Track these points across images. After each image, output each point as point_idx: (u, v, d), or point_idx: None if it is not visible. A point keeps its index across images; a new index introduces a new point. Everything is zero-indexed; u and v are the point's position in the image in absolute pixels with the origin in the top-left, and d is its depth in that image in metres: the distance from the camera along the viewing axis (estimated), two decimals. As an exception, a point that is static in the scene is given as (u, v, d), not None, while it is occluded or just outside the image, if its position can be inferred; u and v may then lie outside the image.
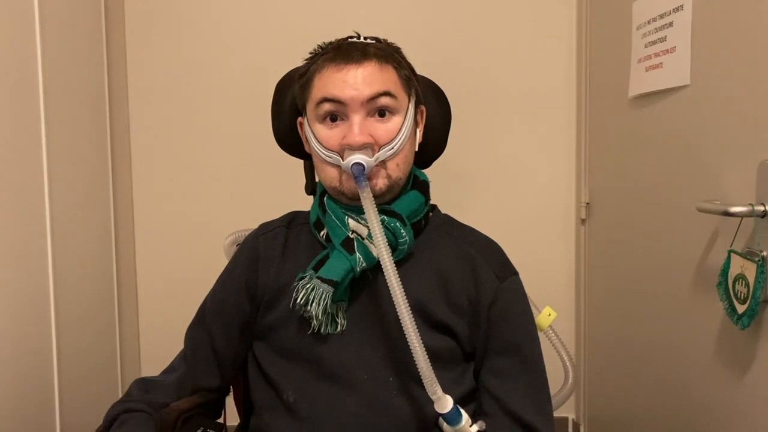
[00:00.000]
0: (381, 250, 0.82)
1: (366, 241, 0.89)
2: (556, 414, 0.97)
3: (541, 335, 0.99)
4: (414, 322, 0.81)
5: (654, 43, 1.27)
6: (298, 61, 0.97)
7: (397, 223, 0.89)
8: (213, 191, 1.86)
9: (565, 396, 1.16)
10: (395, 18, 1.81)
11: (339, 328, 0.91)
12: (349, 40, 0.94)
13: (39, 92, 1.42)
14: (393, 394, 0.90)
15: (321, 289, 0.87)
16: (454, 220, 1.04)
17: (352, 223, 0.91)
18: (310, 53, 0.95)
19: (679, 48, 1.18)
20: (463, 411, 0.85)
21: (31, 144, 1.40)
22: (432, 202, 1.01)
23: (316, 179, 0.99)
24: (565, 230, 1.86)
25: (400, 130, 0.89)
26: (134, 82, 1.85)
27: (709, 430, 1.13)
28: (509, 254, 1.00)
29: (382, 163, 0.88)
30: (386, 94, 0.88)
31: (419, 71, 0.99)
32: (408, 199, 0.94)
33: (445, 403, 0.82)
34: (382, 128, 0.88)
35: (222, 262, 1.06)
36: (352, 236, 0.90)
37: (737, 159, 1.02)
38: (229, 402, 1.08)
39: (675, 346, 1.25)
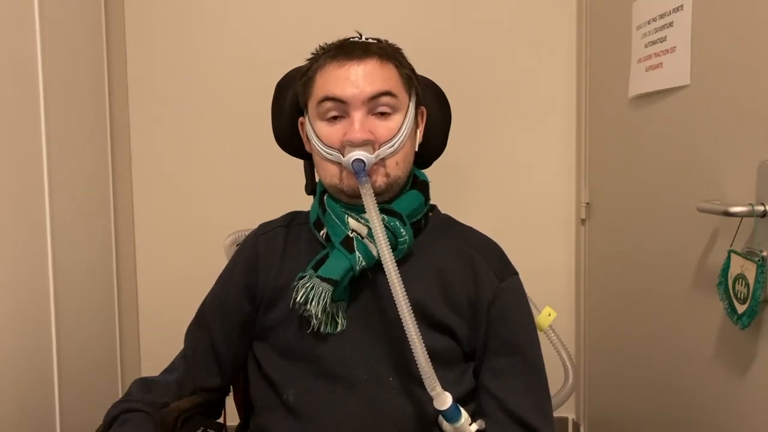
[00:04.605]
0: (381, 245, 0.83)
1: (366, 240, 0.90)
2: (556, 414, 0.97)
3: (541, 335, 0.99)
4: (413, 317, 0.81)
5: (654, 43, 1.27)
6: (299, 61, 0.98)
7: (397, 222, 0.89)
8: (213, 191, 1.86)
9: (565, 396, 1.16)
10: (395, 18, 1.81)
11: (339, 327, 0.91)
12: (351, 39, 0.95)
13: (39, 92, 1.42)
14: (393, 393, 0.90)
15: (320, 288, 0.87)
16: (454, 220, 1.04)
17: (352, 222, 0.91)
18: (312, 53, 0.95)
19: (679, 48, 1.18)
20: (462, 409, 0.85)
21: (31, 144, 1.40)
22: (432, 202, 1.02)
23: (316, 179, 0.99)
24: (565, 230, 1.86)
25: (401, 128, 0.89)
26: (134, 82, 1.85)
27: (709, 430, 1.13)
28: (509, 254, 1.00)
29: (382, 161, 0.89)
30: (387, 93, 0.88)
31: (419, 72, 0.99)
32: (408, 199, 0.94)
33: (444, 400, 0.82)
34: (383, 126, 0.89)
35: (222, 262, 1.06)
36: (351, 235, 0.90)
37: (737, 159, 1.02)
38: (229, 402, 1.08)
39: (675, 346, 1.25)
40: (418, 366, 0.81)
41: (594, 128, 1.73)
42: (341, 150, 0.88)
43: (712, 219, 1.07)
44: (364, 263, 0.89)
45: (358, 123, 0.87)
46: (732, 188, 1.03)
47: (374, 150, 0.88)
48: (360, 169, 0.85)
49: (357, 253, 0.88)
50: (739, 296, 0.96)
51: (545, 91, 1.83)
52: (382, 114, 0.89)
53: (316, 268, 0.90)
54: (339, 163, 0.89)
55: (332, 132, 0.89)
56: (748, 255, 0.95)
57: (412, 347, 0.81)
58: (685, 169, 1.19)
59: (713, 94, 1.09)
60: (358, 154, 0.86)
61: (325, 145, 0.89)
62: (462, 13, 1.82)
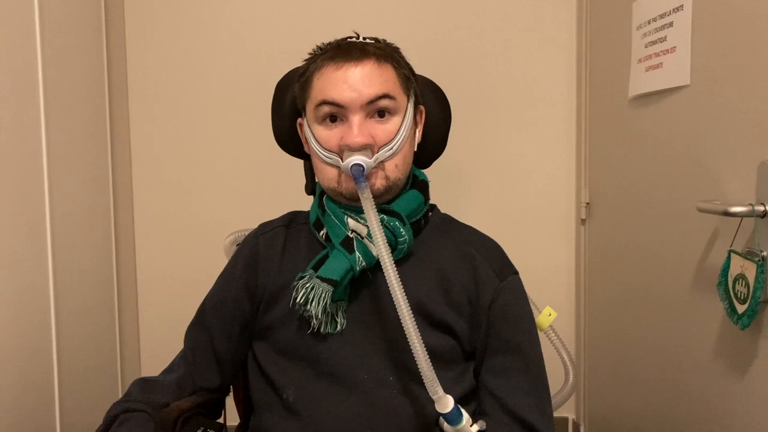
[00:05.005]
0: (381, 251, 0.82)
1: (365, 241, 0.90)
2: (556, 414, 0.97)
3: (541, 335, 0.99)
4: (414, 322, 0.81)
5: (654, 43, 1.27)
6: (298, 61, 0.97)
7: (397, 222, 0.89)
8: (213, 191, 1.86)
9: (565, 396, 1.16)
10: (395, 18, 1.81)
11: (339, 327, 0.91)
12: (348, 39, 0.94)
13: (39, 92, 1.42)
14: (393, 393, 0.90)
15: (320, 288, 0.87)
16: (454, 219, 1.04)
17: (351, 222, 0.91)
18: (310, 53, 0.95)
19: (679, 48, 1.18)
20: (463, 411, 0.85)
21: (31, 144, 1.40)
22: (432, 202, 1.02)
23: (316, 179, 0.99)
24: (565, 230, 1.86)
25: (399, 130, 0.89)
26: (134, 82, 1.85)
27: (709, 430, 1.13)
28: (509, 254, 1.00)
29: (381, 164, 0.89)
30: (385, 96, 0.88)
31: (419, 71, 0.99)
32: (407, 199, 0.94)
33: (447, 403, 0.82)
34: (381, 129, 0.88)
35: (222, 262, 1.06)
36: (351, 235, 0.90)
37: (737, 159, 1.02)
38: (229, 402, 1.08)
39: (675, 346, 1.25)
40: (420, 370, 0.81)
41: (594, 128, 1.73)
42: (340, 154, 0.88)
43: (712, 219, 1.07)
44: (364, 263, 0.89)
45: (357, 127, 0.86)
46: (732, 188, 1.03)
47: (373, 154, 0.87)
48: (359, 173, 0.85)
49: (357, 253, 0.88)
50: (739, 296, 0.96)
51: (545, 91, 1.83)
52: (381, 116, 0.89)
53: (316, 269, 0.90)
54: (338, 167, 0.89)
55: (330, 136, 0.89)
56: (748, 255, 0.95)
57: (413, 351, 0.81)
58: (685, 169, 1.19)
59: (713, 94, 1.09)
60: (357, 158, 0.85)
61: (324, 148, 0.89)
62: (461, 12, 1.82)
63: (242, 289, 0.98)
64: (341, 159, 0.87)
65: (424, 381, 0.81)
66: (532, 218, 1.86)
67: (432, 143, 1.03)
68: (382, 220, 0.87)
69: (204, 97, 1.84)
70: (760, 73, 0.96)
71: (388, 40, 0.96)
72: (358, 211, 0.90)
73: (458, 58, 1.81)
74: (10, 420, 1.31)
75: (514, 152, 1.85)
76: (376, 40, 0.95)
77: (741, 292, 0.96)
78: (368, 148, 0.87)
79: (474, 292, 0.93)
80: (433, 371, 0.81)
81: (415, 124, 0.96)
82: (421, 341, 0.81)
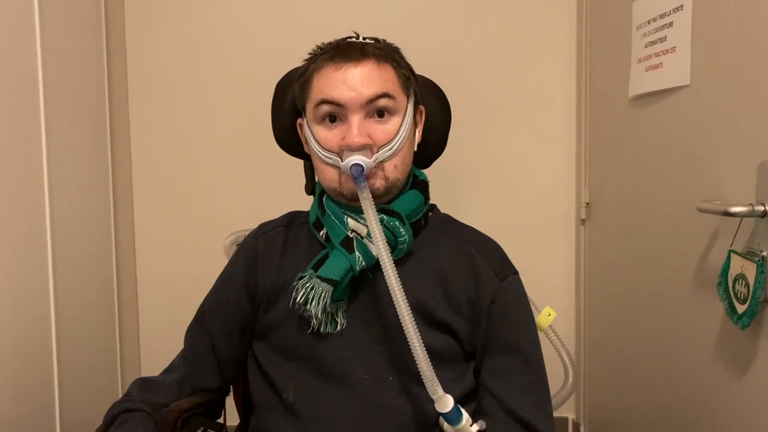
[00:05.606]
0: (381, 251, 0.82)
1: (365, 240, 0.90)
2: (556, 414, 0.97)
3: (541, 335, 0.99)
4: (414, 322, 0.81)
5: (654, 43, 1.27)
6: (299, 61, 0.98)
7: (397, 222, 0.89)
8: (213, 191, 1.86)
9: (565, 396, 1.16)
10: (395, 18, 1.81)
11: (339, 327, 0.91)
12: (348, 40, 0.94)
13: (39, 92, 1.42)
14: (393, 393, 0.90)
15: (320, 288, 0.87)
16: (454, 219, 1.04)
17: (351, 222, 0.91)
18: (309, 53, 0.95)
19: (679, 48, 1.18)
20: (463, 410, 0.85)
21: (31, 144, 1.40)
22: (432, 202, 1.02)
23: (316, 179, 0.99)
24: (565, 230, 1.86)
25: (399, 130, 0.89)
26: (134, 82, 1.85)
27: (710, 430, 1.13)
28: (509, 254, 1.00)
29: (380, 164, 0.89)
30: (385, 95, 0.88)
31: (419, 71, 0.99)
32: (407, 199, 0.94)
33: (446, 403, 0.82)
34: (381, 129, 0.88)
35: (222, 262, 1.06)
36: (351, 235, 0.90)
37: (737, 159, 1.02)
38: (229, 402, 1.08)
39: (675, 346, 1.25)
40: (420, 370, 0.81)
41: (594, 128, 1.73)
42: (339, 154, 0.88)
43: (712, 219, 1.07)
44: (363, 263, 0.89)
45: (356, 127, 0.87)
46: (732, 188, 1.03)
47: (372, 154, 0.87)
48: (358, 173, 0.85)
49: (357, 253, 0.88)
50: (739, 296, 0.96)
51: (545, 91, 1.83)
52: (380, 116, 0.89)
53: (315, 268, 0.90)
54: (338, 167, 0.89)
55: (330, 136, 0.89)
56: (748, 255, 0.95)
57: (413, 351, 0.81)
58: (685, 169, 1.19)
59: (713, 94, 1.09)
60: (357, 158, 0.86)
61: (324, 148, 0.89)
62: (461, 12, 1.82)
63: (242, 289, 0.98)
64: (341, 159, 0.87)
65: (423, 381, 0.81)
66: (532, 218, 1.86)
67: (432, 143, 1.03)
68: (381, 220, 0.87)
69: (204, 97, 1.84)
70: (760, 73, 0.96)
71: (388, 40, 0.96)
72: (358, 211, 0.90)
73: (458, 58, 1.81)
74: (10, 420, 1.31)
75: (514, 152, 1.85)
76: (376, 40, 0.95)
77: (741, 292, 0.96)
78: (367, 148, 0.87)
79: (474, 292, 0.93)
80: (433, 371, 0.81)
81: (415, 124, 0.96)
82: (421, 341, 0.81)
